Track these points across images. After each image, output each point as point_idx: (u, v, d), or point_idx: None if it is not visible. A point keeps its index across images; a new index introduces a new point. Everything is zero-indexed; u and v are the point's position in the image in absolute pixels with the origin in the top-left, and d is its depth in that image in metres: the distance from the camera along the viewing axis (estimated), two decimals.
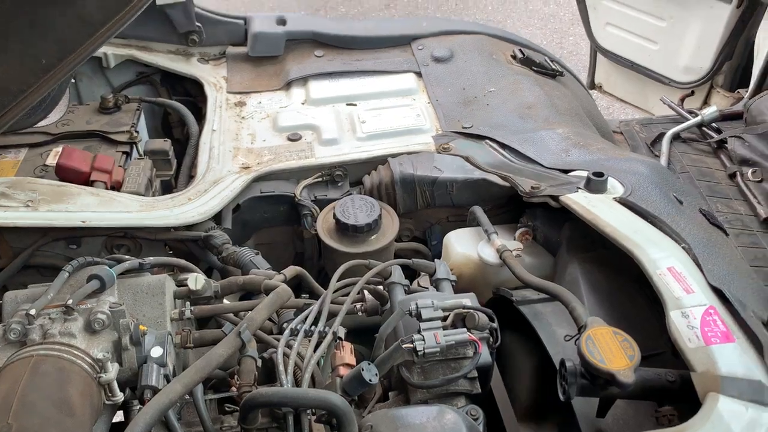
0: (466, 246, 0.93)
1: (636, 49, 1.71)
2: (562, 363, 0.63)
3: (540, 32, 3.11)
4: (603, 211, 0.78)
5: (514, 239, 0.93)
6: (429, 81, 1.18)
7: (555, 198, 0.85)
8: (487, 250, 0.90)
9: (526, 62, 1.23)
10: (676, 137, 1.39)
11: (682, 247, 0.70)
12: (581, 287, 0.79)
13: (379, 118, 1.12)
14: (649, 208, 0.78)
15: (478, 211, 0.95)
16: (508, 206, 0.99)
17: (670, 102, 1.49)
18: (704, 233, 0.78)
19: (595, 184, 0.84)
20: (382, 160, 1.04)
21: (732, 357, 0.57)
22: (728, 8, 1.48)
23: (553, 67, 1.25)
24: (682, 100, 1.54)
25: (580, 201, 0.81)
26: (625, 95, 1.87)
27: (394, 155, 1.04)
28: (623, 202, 0.80)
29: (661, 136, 1.40)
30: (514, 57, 1.25)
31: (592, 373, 0.59)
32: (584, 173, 0.87)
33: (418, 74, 1.21)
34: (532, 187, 0.88)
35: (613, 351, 0.59)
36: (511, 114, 1.09)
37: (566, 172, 0.93)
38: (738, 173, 1.28)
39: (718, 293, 0.64)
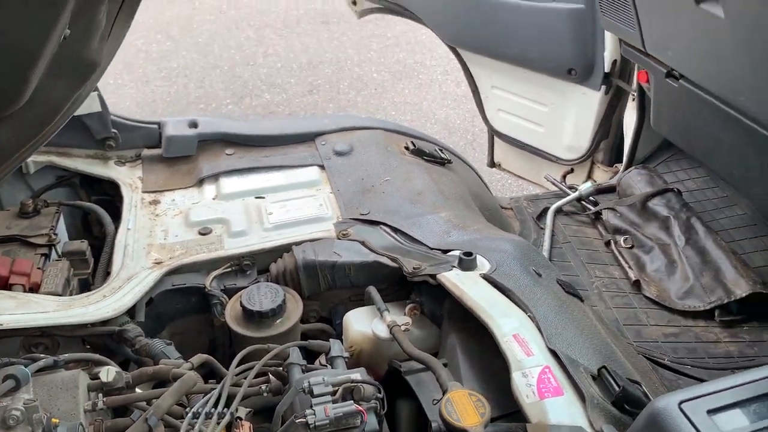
0: (362, 324, 1.04)
1: (525, 132, 1.92)
2: (429, 425, 0.73)
3: (453, 112, 3.36)
4: (469, 287, 0.91)
5: (404, 314, 1.05)
6: (331, 173, 1.32)
7: (433, 276, 0.97)
8: (380, 327, 1.01)
9: (418, 152, 1.39)
10: (559, 211, 1.57)
11: (529, 316, 0.83)
12: (458, 354, 0.91)
13: (285, 209, 1.24)
14: (509, 282, 0.92)
15: (372, 291, 1.06)
16: (400, 284, 1.11)
17: (553, 179, 1.68)
18: (557, 302, 0.92)
19: (466, 262, 0.98)
20: (287, 248, 1.15)
21: (560, 408, 0.69)
22: (598, 95, 1.71)
23: (443, 155, 1.41)
24: (564, 176, 1.73)
25: (452, 278, 0.94)
26: (521, 172, 2.06)
27: (298, 243, 1.15)
28: (487, 278, 0.94)
29: (545, 210, 1.57)
30: (407, 148, 1.41)
31: (450, 431, 0.70)
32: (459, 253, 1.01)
33: (322, 167, 1.34)
34: (414, 268, 1.01)
35: (468, 410, 0.70)
36: (403, 200, 1.23)
37: (447, 251, 1.07)
38: (612, 241, 1.46)
39: (554, 354, 0.76)
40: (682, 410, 0.59)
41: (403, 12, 2.06)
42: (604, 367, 0.75)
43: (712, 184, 1.50)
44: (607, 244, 1.45)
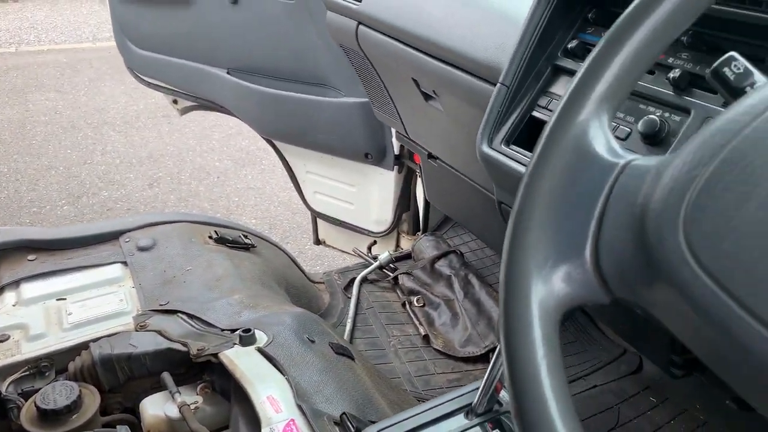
0: (156, 408, 1.12)
1: (340, 210, 2.11)
2: None
3: (296, 194, 3.54)
4: (242, 360, 1.03)
5: (197, 394, 1.14)
6: (134, 268, 1.40)
7: (215, 355, 1.08)
8: (171, 408, 1.10)
9: (221, 240, 1.51)
10: (365, 280, 1.75)
11: (286, 379, 0.96)
12: (239, 423, 1.02)
13: (85, 308, 1.30)
14: (280, 351, 1.05)
15: (165, 376, 1.15)
16: (198, 367, 1.21)
17: (359, 252, 1.87)
18: (324, 363, 1.06)
19: (245, 339, 1.10)
20: (86, 345, 1.21)
21: None
22: (393, 174, 1.94)
23: (246, 241, 1.54)
24: (369, 248, 1.93)
25: (230, 355, 1.05)
26: (343, 247, 2.25)
27: (96, 339, 1.22)
28: (260, 350, 1.06)
29: (352, 280, 1.74)
30: (211, 237, 1.53)
31: None
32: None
33: (125, 263, 1.43)
34: (198, 350, 1.11)
35: None
36: (202, 287, 1.34)
37: (235, 331, 1.19)
38: (407, 302, 1.65)
39: (300, 409, 0.90)
40: None
41: (220, 109, 2.22)
42: (344, 413, 0.89)
43: (483, 244, 1.75)
44: (403, 305, 1.64)
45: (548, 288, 0.41)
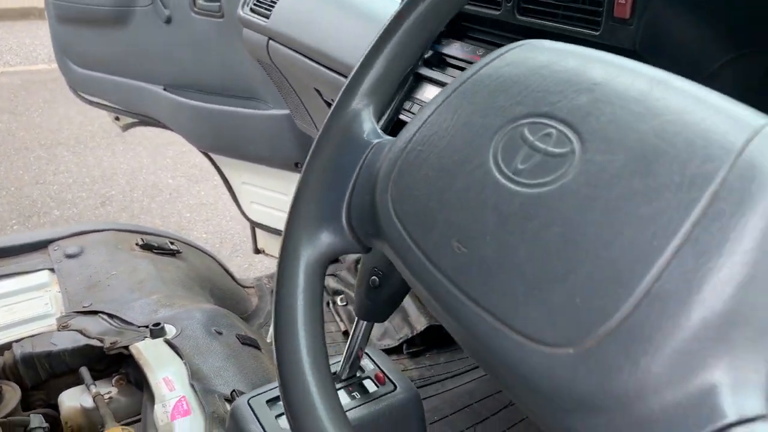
0: (73, 400, 1.21)
1: (275, 219, 2.21)
2: None
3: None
4: (149, 350, 1.12)
5: (112, 385, 1.23)
6: (61, 275, 1.49)
7: (126, 348, 1.17)
8: (87, 399, 1.18)
9: (146, 247, 1.60)
10: None
11: (184, 363, 1.06)
12: (147, 409, 1.10)
13: (12, 311, 1.38)
14: (185, 342, 1.14)
15: (83, 370, 1.23)
16: (114, 362, 1.29)
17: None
18: (228, 351, 1.16)
19: (155, 332, 1.19)
20: (9, 346, 1.29)
21: (185, 424, 0.91)
22: None
23: (172, 247, 1.64)
24: None
25: (140, 346, 1.14)
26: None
27: (19, 340, 1.30)
28: (167, 341, 1.16)
29: None
30: (137, 244, 1.62)
31: None
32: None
33: (53, 270, 1.51)
34: (111, 343, 1.20)
35: None
36: (124, 290, 1.43)
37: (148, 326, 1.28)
38: (331, 301, 1.75)
39: (193, 387, 0.99)
40: (249, 404, 0.83)
41: (158, 124, 2.31)
42: (234, 390, 0.99)
43: None
44: (327, 304, 1.74)
45: (314, 245, 0.52)
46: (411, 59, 0.57)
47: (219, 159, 2.22)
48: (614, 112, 0.36)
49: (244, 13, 1.51)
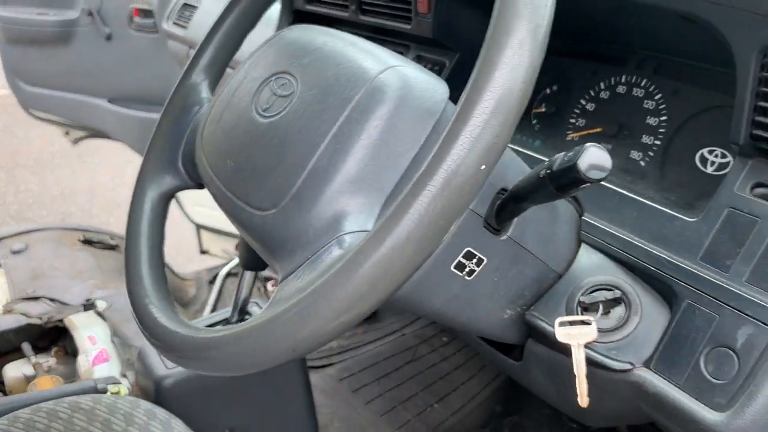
0: (16, 371, 1.37)
1: (216, 219, 2.39)
2: None
3: None
4: (80, 320, 1.29)
5: (51, 356, 1.39)
6: (7, 269, 1.65)
7: (60, 320, 1.34)
8: (28, 368, 1.35)
9: (88, 242, 1.77)
10: (229, 274, 2.03)
11: (107, 324, 1.24)
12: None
13: None
14: (115, 313, 1.32)
15: (24, 345, 1.40)
16: (54, 338, 1.46)
17: (227, 251, 2.15)
18: None
19: (87, 306, 1.37)
20: None
21: (104, 369, 1.09)
22: None
23: (112, 242, 1.81)
24: (236, 246, 2.21)
25: (73, 318, 1.32)
26: (225, 255, 2.52)
27: None
28: (97, 312, 1.33)
29: (216, 276, 2.02)
30: (80, 240, 1.79)
31: None
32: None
33: (0, 265, 1.67)
34: (48, 318, 1.37)
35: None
36: (66, 278, 1.60)
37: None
38: (263, 286, 1.93)
39: (113, 342, 1.17)
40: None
41: (105, 135, 2.49)
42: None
43: None
44: (258, 289, 1.92)
45: (159, 185, 0.71)
46: (237, 44, 0.77)
47: None
48: (320, 66, 0.56)
49: (167, 26, 1.70)
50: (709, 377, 0.55)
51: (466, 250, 0.59)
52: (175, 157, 0.71)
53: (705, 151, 0.70)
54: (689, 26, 0.62)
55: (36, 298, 1.54)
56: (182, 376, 0.96)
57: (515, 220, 0.60)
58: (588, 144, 0.47)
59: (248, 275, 1.04)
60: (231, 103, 0.63)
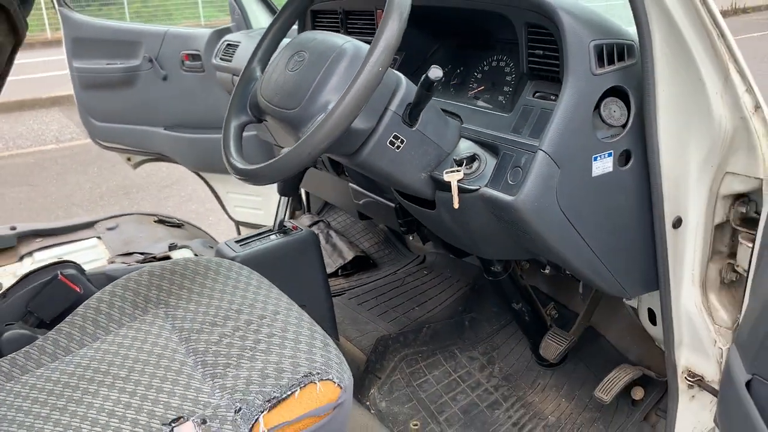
0: None
1: (253, 215, 3.03)
2: None
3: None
4: (177, 254, 1.93)
5: None
6: (105, 239, 2.30)
7: (155, 257, 1.98)
8: None
9: (161, 222, 2.43)
10: None
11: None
12: None
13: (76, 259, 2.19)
14: (190, 251, 1.96)
15: None
16: None
17: None
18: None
19: (171, 246, 2.00)
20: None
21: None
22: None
23: (179, 222, 2.46)
24: None
25: (158, 255, 1.95)
26: None
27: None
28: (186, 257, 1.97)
29: None
30: (155, 221, 2.44)
31: None
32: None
33: (99, 238, 2.33)
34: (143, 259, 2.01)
35: None
36: (146, 241, 2.24)
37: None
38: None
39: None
40: (226, 244, 1.65)
41: (164, 158, 3.17)
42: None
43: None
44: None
45: (236, 120, 1.36)
46: (275, 46, 1.43)
47: (208, 176, 3.07)
48: (317, 45, 1.22)
49: (216, 61, 2.39)
50: (510, 182, 1.18)
51: (393, 134, 1.22)
52: (244, 106, 1.36)
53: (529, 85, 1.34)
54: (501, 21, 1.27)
55: (129, 254, 2.17)
56: (246, 256, 1.59)
57: (420, 118, 1.23)
58: (431, 65, 1.11)
59: (283, 200, 1.68)
60: (276, 66, 1.28)
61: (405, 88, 1.22)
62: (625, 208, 1.24)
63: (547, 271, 1.69)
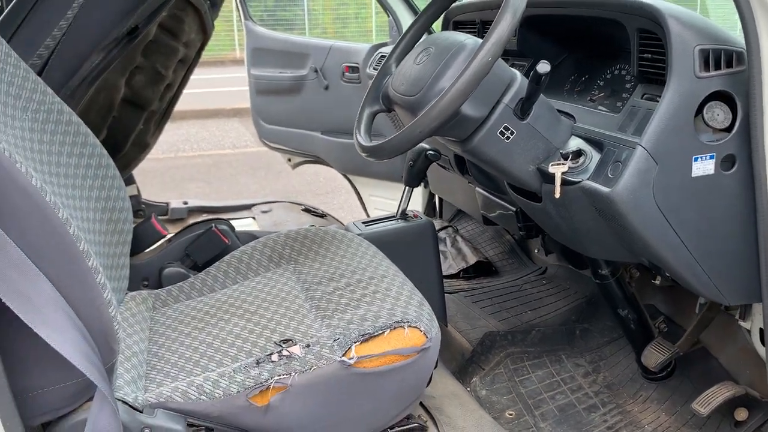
0: None
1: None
2: None
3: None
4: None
5: None
6: (258, 219, 2.61)
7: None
8: None
9: (307, 211, 2.71)
10: None
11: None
12: None
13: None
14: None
15: None
16: None
17: None
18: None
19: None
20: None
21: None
22: (420, 188, 3.06)
23: (322, 212, 2.72)
24: None
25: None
26: None
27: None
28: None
29: None
30: (302, 210, 2.73)
31: None
32: None
33: (254, 218, 2.64)
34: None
35: None
36: (293, 224, 2.52)
37: None
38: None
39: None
40: (353, 223, 1.86)
41: (320, 161, 3.49)
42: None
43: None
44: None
45: (369, 109, 1.56)
46: (410, 47, 1.61)
47: (354, 179, 3.33)
48: (441, 41, 1.39)
49: (369, 71, 2.64)
50: (609, 175, 1.26)
51: (504, 125, 1.35)
52: (377, 97, 1.56)
53: (639, 87, 1.41)
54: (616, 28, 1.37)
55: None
56: (368, 234, 1.78)
57: (532, 113, 1.35)
58: (540, 61, 1.23)
59: (407, 190, 1.85)
60: (407, 61, 1.46)
61: (519, 83, 1.35)
62: (727, 213, 1.26)
63: (657, 282, 1.71)
